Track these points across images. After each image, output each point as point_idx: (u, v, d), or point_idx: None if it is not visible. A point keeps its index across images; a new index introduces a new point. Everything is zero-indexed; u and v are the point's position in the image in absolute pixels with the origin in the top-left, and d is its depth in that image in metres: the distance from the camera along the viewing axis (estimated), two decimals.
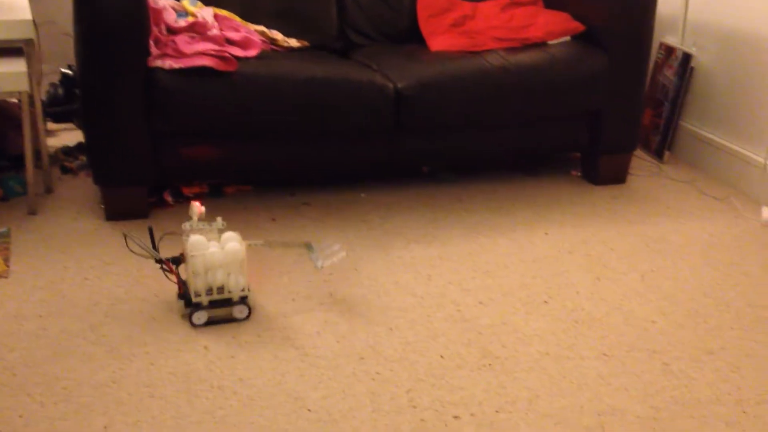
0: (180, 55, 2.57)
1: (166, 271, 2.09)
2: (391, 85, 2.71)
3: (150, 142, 2.58)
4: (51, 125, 3.47)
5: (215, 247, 2.04)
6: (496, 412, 1.75)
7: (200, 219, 2.08)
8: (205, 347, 1.96)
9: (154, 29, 2.63)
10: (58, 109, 3.45)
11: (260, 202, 2.84)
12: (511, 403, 1.78)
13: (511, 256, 2.48)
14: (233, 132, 2.64)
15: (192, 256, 2.01)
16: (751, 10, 2.96)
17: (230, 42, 2.75)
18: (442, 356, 1.95)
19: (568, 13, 3.05)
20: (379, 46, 3.13)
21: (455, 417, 1.73)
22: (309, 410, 1.74)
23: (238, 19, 2.97)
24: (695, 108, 3.29)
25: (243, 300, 2.07)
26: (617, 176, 3.08)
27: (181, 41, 2.62)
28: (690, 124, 3.32)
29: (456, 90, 2.75)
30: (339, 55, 3.06)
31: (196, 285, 2.03)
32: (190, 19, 2.77)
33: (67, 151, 3.23)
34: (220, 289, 2.05)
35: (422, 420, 1.71)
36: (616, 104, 2.93)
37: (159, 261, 2.08)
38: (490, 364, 1.92)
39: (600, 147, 3.00)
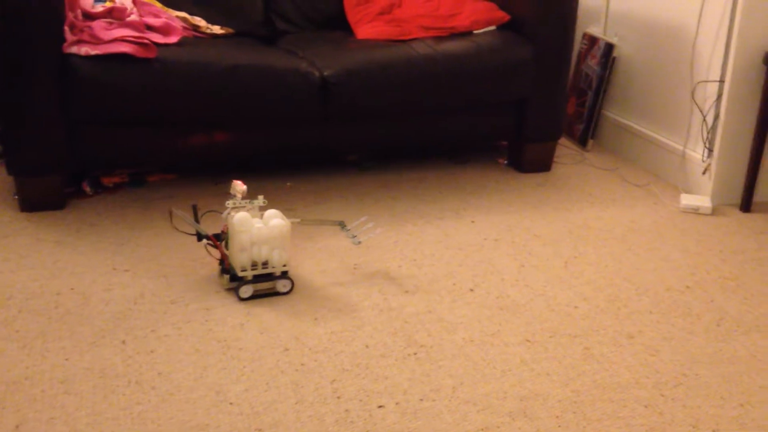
0: (97, 41, 2.49)
1: (211, 246, 2.15)
2: (317, 73, 2.68)
3: (66, 131, 2.50)
4: None
5: (259, 223, 2.11)
6: (421, 400, 1.75)
7: (243, 197, 2.14)
8: (123, 342, 1.91)
9: (69, 14, 2.54)
10: None
11: (184, 190, 2.78)
12: (435, 391, 1.78)
13: (437, 244, 2.48)
14: (154, 120, 2.57)
15: (240, 232, 2.08)
16: (670, 1, 3.02)
17: (150, 28, 2.67)
18: (367, 346, 1.94)
19: (493, 3, 3.07)
20: (306, 34, 3.10)
21: (380, 406, 1.72)
22: (231, 404, 1.71)
23: (158, 4, 2.90)
24: (617, 97, 3.35)
25: (285, 274, 2.14)
26: (543, 164, 3.12)
27: (99, 27, 2.54)
28: (612, 112, 3.38)
29: (382, 78, 2.73)
30: (264, 42, 3.01)
31: (242, 260, 2.09)
32: (108, 4, 2.69)
33: None
34: (264, 264, 2.12)
35: (346, 410, 1.70)
36: (540, 93, 2.96)
37: (204, 237, 2.13)
38: (415, 353, 1.92)
39: (525, 135, 3.03)
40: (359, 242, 2.32)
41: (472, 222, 2.64)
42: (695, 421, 1.70)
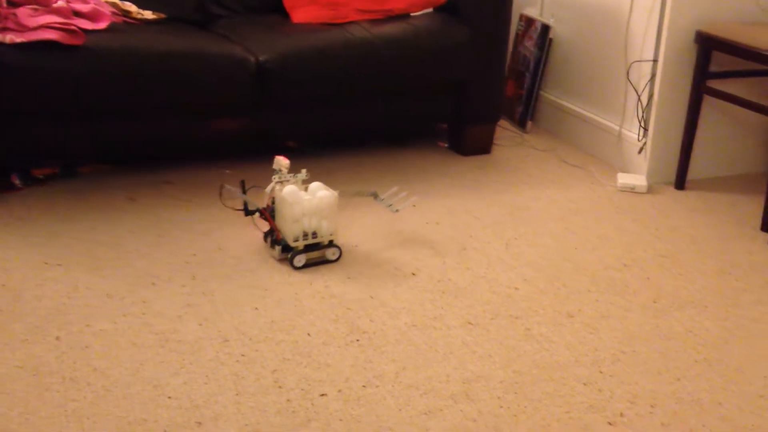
0: (22, 28, 2.40)
1: (263, 218, 2.25)
2: (252, 59, 2.63)
3: None
4: None
5: (306, 196, 2.22)
6: (363, 386, 1.74)
7: (288, 171, 2.25)
8: (57, 338, 1.85)
9: None
10: None
11: (118, 181, 2.71)
12: (378, 377, 1.77)
13: (378, 228, 2.47)
14: (84, 109, 2.50)
15: (291, 204, 2.18)
16: None
17: (77, 14, 2.58)
18: (309, 334, 1.92)
19: None
20: (240, 18, 3.03)
21: (322, 395, 1.70)
22: (169, 397, 1.67)
23: None
24: (555, 78, 3.38)
25: (331, 243, 2.25)
26: (483, 147, 3.13)
27: (23, 14, 2.45)
28: (550, 94, 3.41)
29: (319, 62, 2.70)
30: (197, 27, 2.93)
31: (294, 231, 2.20)
32: None
33: None
34: (314, 235, 2.22)
35: (288, 400, 1.68)
36: (479, 76, 2.96)
37: (255, 211, 2.24)
38: (357, 340, 1.91)
39: (465, 118, 3.03)
40: (396, 210, 2.41)
41: (413, 206, 2.64)
42: (633, 397, 1.73)
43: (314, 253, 2.24)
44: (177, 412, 1.63)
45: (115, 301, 2.01)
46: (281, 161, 2.25)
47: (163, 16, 2.92)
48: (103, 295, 2.04)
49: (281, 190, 2.22)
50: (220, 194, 2.32)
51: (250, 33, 2.79)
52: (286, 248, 2.23)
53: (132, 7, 2.86)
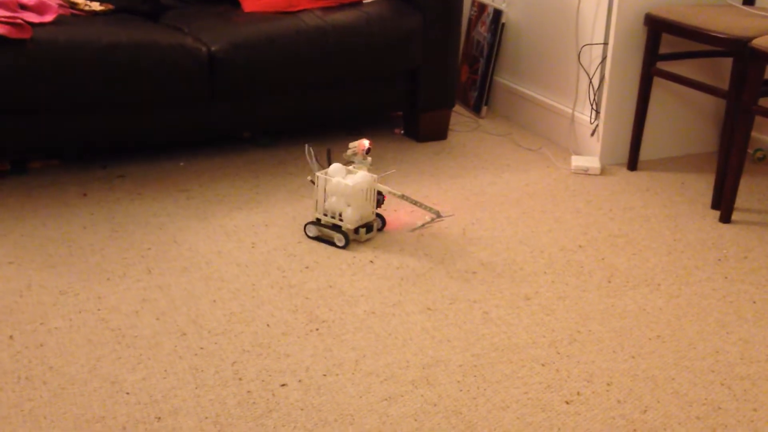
0: None
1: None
2: (203, 49, 2.60)
3: None
4: None
5: (343, 178, 2.27)
6: (324, 375, 1.74)
7: (364, 155, 2.33)
8: (10, 337, 1.82)
9: None
10: None
11: (70, 176, 2.66)
12: (338, 366, 1.77)
13: None
14: (31, 104, 2.45)
15: (328, 179, 2.27)
16: None
17: (23, 7, 2.53)
18: (268, 325, 1.92)
19: None
20: (190, 8, 2.99)
21: (282, 385, 1.70)
22: (127, 393, 1.66)
23: None
24: (508, 63, 3.40)
25: (338, 228, 2.28)
26: (438, 133, 3.14)
27: None
28: (504, 79, 3.43)
29: (272, 51, 2.68)
30: (147, 18, 2.89)
31: (327, 205, 2.29)
32: None
33: None
34: (340, 217, 2.28)
35: (248, 392, 1.68)
36: (432, 62, 2.97)
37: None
38: (317, 329, 1.91)
39: (420, 105, 3.04)
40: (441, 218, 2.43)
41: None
42: (589, 376, 1.76)
43: (326, 231, 2.30)
44: (135, 408, 1.62)
45: (69, 298, 1.98)
46: (361, 143, 2.32)
47: (111, 7, 2.87)
48: (56, 292, 2.01)
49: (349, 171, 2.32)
50: (308, 154, 2.34)
51: (200, 23, 2.76)
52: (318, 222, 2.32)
53: None
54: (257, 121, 2.87)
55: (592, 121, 2.95)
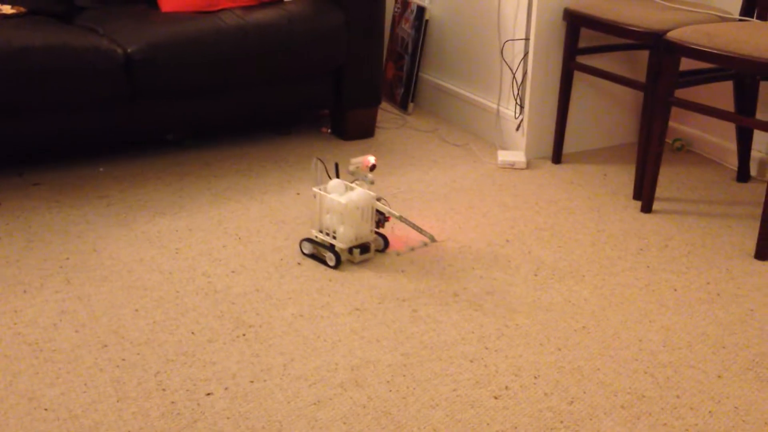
0: None
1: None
2: (119, 50, 2.53)
3: None
4: None
5: (338, 195, 2.16)
6: (251, 382, 1.71)
7: (368, 170, 2.24)
8: None
9: None
10: None
11: None
12: (266, 371, 1.74)
13: (262, 219, 2.43)
14: None
15: (324, 194, 2.16)
16: None
17: None
18: (193, 332, 1.87)
19: None
20: (105, 9, 2.90)
21: (208, 394, 1.67)
22: (46, 409, 1.60)
23: None
24: (433, 59, 3.41)
25: (332, 248, 2.16)
26: (365, 130, 3.12)
27: None
28: (430, 75, 3.43)
29: (191, 52, 2.63)
30: (60, 20, 2.80)
31: (322, 221, 2.19)
32: None
33: None
34: (334, 235, 2.17)
35: (173, 402, 1.64)
36: (356, 59, 2.95)
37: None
38: (243, 334, 1.87)
39: (345, 103, 3.02)
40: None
41: (297, 194, 2.61)
42: (517, 370, 1.77)
43: (320, 249, 2.19)
44: (54, 425, 1.56)
45: None
46: (366, 159, 2.24)
47: (23, 10, 2.77)
48: None
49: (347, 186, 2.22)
50: (315, 167, 2.24)
51: (117, 24, 2.69)
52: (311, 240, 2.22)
53: None
54: (179, 123, 2.81)
55: (517, 115, 2.98)
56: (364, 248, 2.20)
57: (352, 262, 2.19)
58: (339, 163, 2.32)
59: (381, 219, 2.25)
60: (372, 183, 2.25)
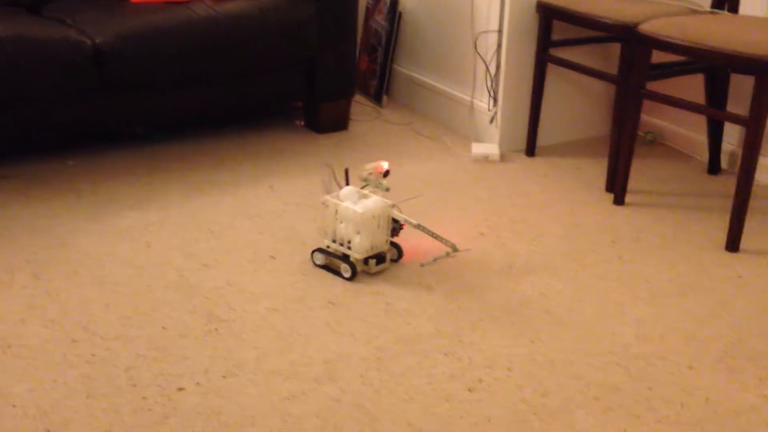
0: None
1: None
2: (88, 42, 2.49)
3: None
4: None
5: (353, 204, 2.07)
6: (223, 377, 1.69)
7: (381, 177, 2.15)
8: None
9: None
10: None
11: None
12: (238, 366, 1.73)
13: (235, 213, 2.41)
14: None
15: (337, 202, 2.07)
16: None
17: None
18: (164, 327, 1.85)
19: None
20: (74, 0, 2.86)
21: (179, 389, 1.65)
22: (14, 406, 1.57)
23: None
24: (407, 52, 3.40)
25: (346, 259, 2.07)
26: (339, 123, 3.11)
27: None
28: (404, 67, 3.42)
29: (162, 43, 2.59)
30: (28, 10, 2.75)
31: (330, 231, 2.10)
32: None
33: None
34: (349, 245, 2.07)
35: (144, 398, 1.62)
36: (328, 51, 2.93)
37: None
38: (216, 329, 1.86)
39: (318, 95, 3.00)
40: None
41: (271, 187, 2.59)
42: (491, 363, 1.77)
43: (334, 260, 2.09)
44: (23, 421, 1.53)
45: None
46: (380, 164, 2.15)
47: None
48: None
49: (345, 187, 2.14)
50: (325, 180, 2.16)
51: (85, 15, 2.64)
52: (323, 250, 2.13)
53: None
54: (151, 116, 2.77)
55: (491, 108, 2.98)
56: (380, 258, 2.11)
57: (367, 273, 2.12)
58: (349, 168, 2.22)
59: (396, 227, 2.16)
60: (387, 190, 2.15)
